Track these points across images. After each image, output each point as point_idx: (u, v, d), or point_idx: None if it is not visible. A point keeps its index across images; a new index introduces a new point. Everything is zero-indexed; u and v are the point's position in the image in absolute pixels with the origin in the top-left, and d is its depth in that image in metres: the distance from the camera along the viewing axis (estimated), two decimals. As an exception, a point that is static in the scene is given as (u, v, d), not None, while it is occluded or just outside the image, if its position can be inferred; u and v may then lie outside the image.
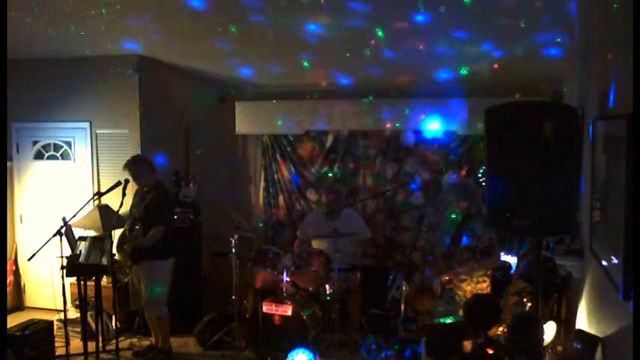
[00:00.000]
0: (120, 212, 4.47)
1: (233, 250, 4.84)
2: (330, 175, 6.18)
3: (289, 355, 4.17)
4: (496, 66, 4.96)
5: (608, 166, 2.13)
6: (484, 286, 4.29)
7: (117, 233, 4.75)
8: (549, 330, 3.07)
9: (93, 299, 4.61)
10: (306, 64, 5.25)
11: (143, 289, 4.51)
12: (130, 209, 4.63)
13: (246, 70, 5.74)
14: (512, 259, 5.01)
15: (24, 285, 5.89)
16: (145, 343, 4.84)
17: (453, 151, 5.82)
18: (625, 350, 1.81)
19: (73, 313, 5.02)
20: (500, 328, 3.43)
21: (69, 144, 5.63)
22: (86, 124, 5.52)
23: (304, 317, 4.43)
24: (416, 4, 3.61)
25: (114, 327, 4.76)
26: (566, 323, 3.38)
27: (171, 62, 5.48)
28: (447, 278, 4.38)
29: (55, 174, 5.69)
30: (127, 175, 4.48)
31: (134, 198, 4.64)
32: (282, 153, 6.34)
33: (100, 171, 5.55)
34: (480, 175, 5.55)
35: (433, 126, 5.74)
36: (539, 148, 2.65)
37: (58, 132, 5.65)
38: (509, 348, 2.84)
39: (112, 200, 5.01)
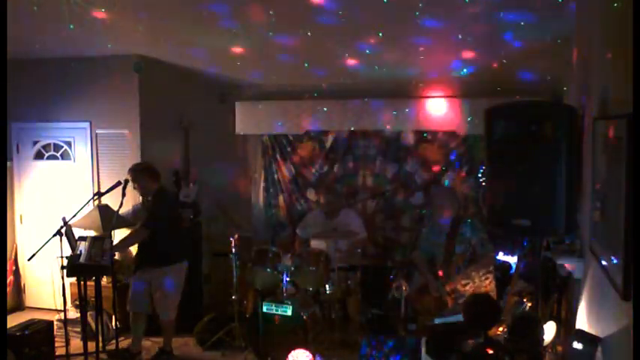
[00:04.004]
0: (120, 212, 4.46)
1: (233, 250, 4.84)
2: (330, 174, 6.18)
3: (289, 355, 4.17)
4: (496, 66, 4.96)
5: (608, 166, 2.13)
6: (487, 283, 4.29)
7: (117, 233, 4.75)
8: (549, 330, 3.06)
9: (93, 299, 4.61)
10: (306, 64, 5.26)
11: (156, 294, 4.51)
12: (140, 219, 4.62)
13: (246, 70, 5.74)
14: (512, 259, 5.00)
15: (24, 285, 5.89)
16: (148, 343, 4.83)
17: (453, 151, 5.82)
18: (625, 350, 1.81)
19: (73, 313, 5.02)
20: (501, 328, 3.43)
21: (69, 144, 5.63)
22: (86, 124, 5.52)
23: (304, 317, 4.43)
24: (415, 6, 3.62)
25: (114, 327, 4.76)
26: (566, 323, 3.38)
27: (171, 62, 5.48)
28: (450, 288, 4.38)
29: (55, 174, 5.69)
30: (127, 176, 4.48)
31: (143, 212, 4.63)
32: (282, 153, 6.34)
33: (100, 171, 5.54)
34: (480, 175, 5.55)
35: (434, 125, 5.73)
36: (539, 148, 2.65)
37: (58, 132, 5.65)
38: (509, 348, 2.84)
39: (112, 200, 5.00)
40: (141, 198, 4.72)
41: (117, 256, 4.90)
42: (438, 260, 4.42)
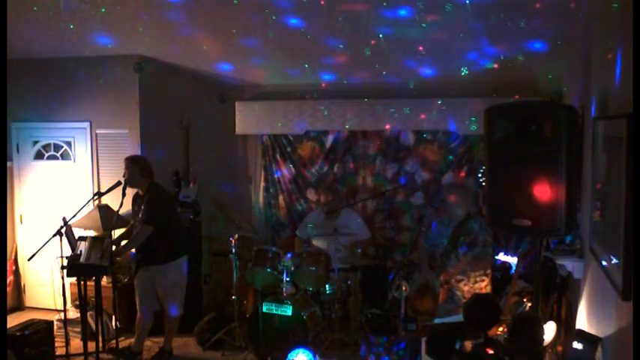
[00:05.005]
0: (120, 212, 4.46)
1: (233, 250, 4.84)
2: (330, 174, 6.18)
3: (289, 355, 4.17)
4: (496, 66, 4.96)
5: (608, 166, 2.13)
6: (482, 286, 4.29)
7: (117, 233, 4.75)
8: (549, 330, 3.06)
9: (93, 299, 4.62)
10: (306, 65, 5.26)
11: (161, 293, 4.52)
12: (133, 216, 4.61)
13: (246, 70, 5.74)
14: (512, 259, 5.00)
15: (24, 285, 5.89)
16: (147, 343, 4.83)
17: (453, 151, 5.82)
18: (625, 350, 1.81)
19: (73, 313, 5.02)
20: (500, 328, 3.43)
21: (69, 144, 5.63)
22: (86, 124, 5.52)
23: (304, 317, 4.43)
24: (415, 5, 3.62)
25: (114, 327, 4.76)
26: (566, 323, 3.38)
27: (171, 62, 5.49)
28: (443, 278, 4.37)
29: (55, 174, 5.69)
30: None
31: (133, 206, 4.60)
32: (282, 153, 6.34)
33: (100, 171, 5.54)
34: (480, 175, 5.55)
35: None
36: (539, 148, 2.65)
37: (58, 132, 5.65)
38: (509, 348, 2.84)
39: (112, 200, 5.01)
40: (131, 192, 4.66)
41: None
42: (437, 253, 4.42)
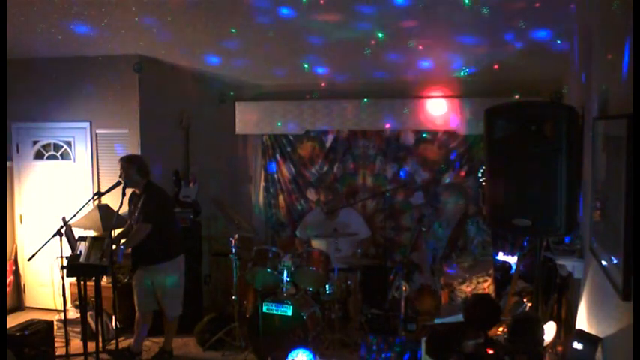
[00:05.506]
0: (120, 212, 4.46)
1: (233, 250, 4.85)
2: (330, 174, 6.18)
3: (289, 355, 4.17)
4: (496, 66, 4.96)
5: (608, 166, 2.13)
6: (485, 286, 4.29)
7: (117, 233, 4.75)
8: (549, 330, 3.06)
9: (93, 299, 4.62)
10: (306, 65, 5.25)
11: (160, 293, 4.52)
12: (129, 216, 4.61)
13: (247, 70, 5.74)
14: (512, 259, 5.00)
15: (24, 285, 5.89)
16: (147, 343, 4.83)
17: (453, 151, 5.83)
18: (625, 350, 1.81)
19: (73, 313, 5.02)
20: (500, 328, 3.43)
21: (69, 144, 5.63)
22: (86, 124, 5.52)
23: (304, 317, 4.43)
24: (415, 5, 3.61)
25: (114, 327, 4.76)
26: (566, 323, 3.38)
27: (171, 62, 5.49)
28: (444, 282, 4.38)
29: (55, 174, 5.69)
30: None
31: (129, 205, 4.59)
32: (282, 153, 6.34)
33: (100, 171, 5.55)
34: (480, 175, 5.55)
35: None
36: (539, 148, 2.65)
37: (58, 132, 5.65)
38: (509, 348, 2.84)
39: (112, 200, 5.01)
40: (129, 192, 4.64)
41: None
42: (437, 257, 4.42)
